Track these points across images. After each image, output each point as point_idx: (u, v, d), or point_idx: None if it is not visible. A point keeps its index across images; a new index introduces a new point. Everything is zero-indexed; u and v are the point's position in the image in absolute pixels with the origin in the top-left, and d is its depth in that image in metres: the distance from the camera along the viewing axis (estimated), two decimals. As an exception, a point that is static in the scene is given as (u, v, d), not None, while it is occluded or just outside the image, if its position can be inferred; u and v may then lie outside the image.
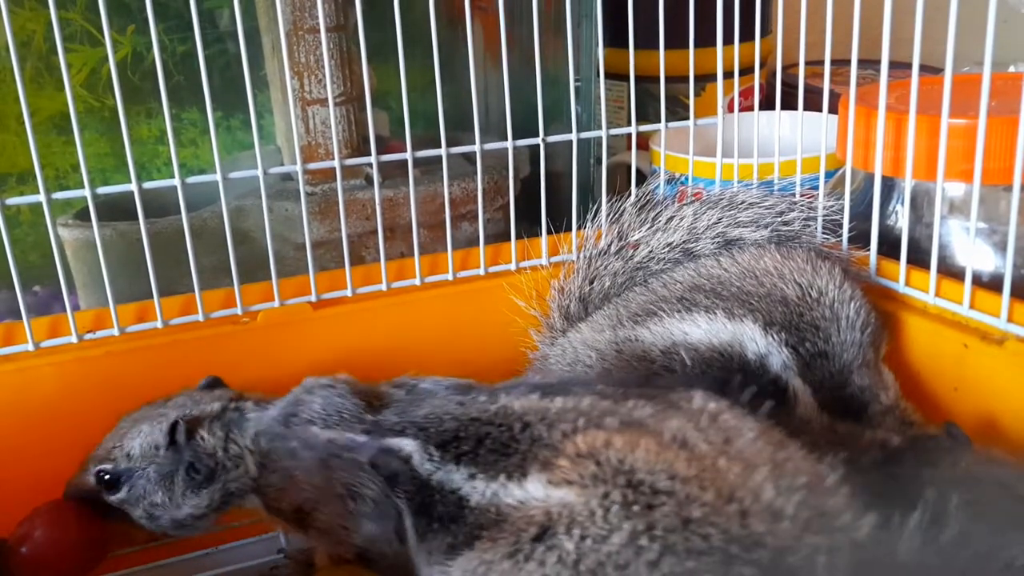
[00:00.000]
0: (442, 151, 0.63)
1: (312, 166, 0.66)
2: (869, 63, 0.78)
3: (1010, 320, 0.55)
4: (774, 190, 0.65)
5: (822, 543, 0.37)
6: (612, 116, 1.01)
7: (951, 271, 0.60)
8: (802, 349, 0.55)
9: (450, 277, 0.66)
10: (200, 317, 0.61)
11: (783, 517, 0.38)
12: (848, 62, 0.61)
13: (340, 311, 0.64)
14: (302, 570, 0.60)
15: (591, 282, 0.65)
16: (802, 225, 0.63)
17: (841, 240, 0.63)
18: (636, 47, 0.65)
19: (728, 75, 0.72)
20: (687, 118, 0.70)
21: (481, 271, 0.67)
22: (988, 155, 0.54)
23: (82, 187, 0.56)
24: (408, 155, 0.63)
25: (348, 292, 0.64)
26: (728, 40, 0.67)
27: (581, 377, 0.57)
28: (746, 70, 0.91)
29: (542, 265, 0.68)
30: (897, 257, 0.61)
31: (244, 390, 0.57)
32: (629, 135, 0.70)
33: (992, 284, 0.58)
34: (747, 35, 0.69)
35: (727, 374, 0.52)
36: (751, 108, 0.88)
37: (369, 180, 0.78)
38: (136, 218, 0.57)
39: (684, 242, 0.64)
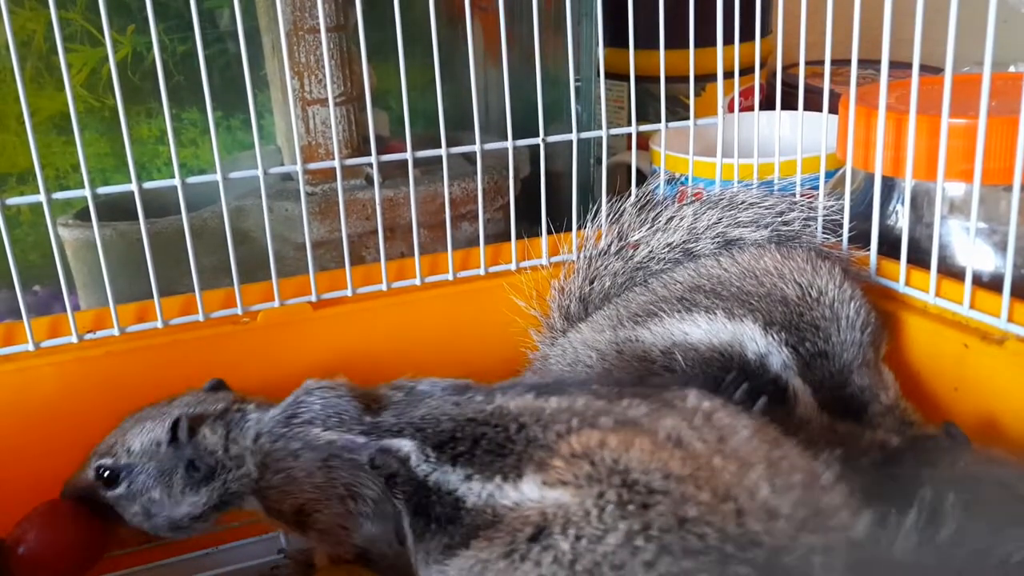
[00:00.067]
0: (442, 151, 0.63)
1: (312, 166, 0.66)
2: (869, 63, 0.78)
3: (1010, 320, 0.55)
4: (774, 190, 0.65)
5: (818, 542, 0.37)
6: (612, 116, 1.01)
7: (951, 271, 0.60)
8: (802, 349, 0.55)
9: (450, 277, 0.66)
10: (200, 317, 0.61)
11: (779, 516, 0.38)
12: (848, 62, 0.61)
13: (340, 311, 0.64)
14: (302, 570, 0.60)
15: (591, 282, 0.65)
16: (802, 225, 0.63)
17: (841, 240, 0.63)
18: (636, 47, 0.65)
19: (728, 75, 0.72)
20: (687, 118, 0.70)
21: (481, 271, 0.67)
22: (988, 155, 0.54)
23: (82, 187, 0.56)
24: (408, 155, 0.63)
25: (348, 292, 0.64)
26: (728, 40, 0.67)
27: (576, 377, 0.57)
28: (746, 70, 0.91)
29: (542, 265, 0.68)
30: (897, 257, 0.61)
31: (245, 391, 0.57)
32: (629, 135, 0.70)
33: (992, 284, 0.58)
34: (747, 35, 0.69)
35: (724, 373, 0.52)
36: (751, 108, 0.88)
37: (369, 180, 0.78)
38: (136, 218, 0.57)
39: (684, 242, 0.64)
